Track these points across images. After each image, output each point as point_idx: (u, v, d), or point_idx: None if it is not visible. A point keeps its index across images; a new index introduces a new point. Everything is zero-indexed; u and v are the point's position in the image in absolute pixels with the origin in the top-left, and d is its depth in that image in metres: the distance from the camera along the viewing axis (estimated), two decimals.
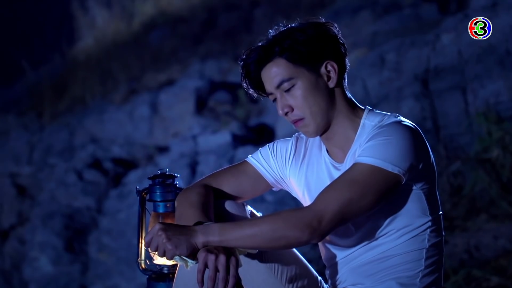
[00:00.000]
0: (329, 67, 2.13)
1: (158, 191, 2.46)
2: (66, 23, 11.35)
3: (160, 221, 2.25)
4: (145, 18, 10.80)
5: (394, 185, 2.01)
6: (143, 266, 2.52)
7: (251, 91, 2.21)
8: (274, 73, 2.12)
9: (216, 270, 1.96)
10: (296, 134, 2.34)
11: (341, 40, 2.15)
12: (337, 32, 2.16)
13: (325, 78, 2.13)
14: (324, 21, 2.16)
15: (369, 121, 2.14)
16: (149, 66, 9.54)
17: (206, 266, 1.97)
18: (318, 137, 2.25)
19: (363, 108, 2.19)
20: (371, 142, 2.03)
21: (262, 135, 7.09)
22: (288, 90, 2.12)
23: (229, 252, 1.99)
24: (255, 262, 2.14)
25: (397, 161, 2.00)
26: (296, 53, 2.09)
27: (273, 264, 2.17)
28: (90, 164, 7.74)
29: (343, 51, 2.16)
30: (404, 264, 2.14)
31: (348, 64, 2.18)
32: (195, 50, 9.51)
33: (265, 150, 2.35)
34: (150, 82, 9.08)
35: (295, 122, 2.15)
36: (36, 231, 7.11)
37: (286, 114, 2.14)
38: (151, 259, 2.48)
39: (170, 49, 9.84)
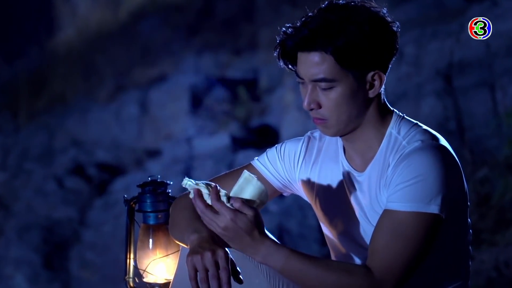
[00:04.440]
0: (376, 77, 2.12)
1: (148, 201, 2.47)
2: (44, 11, 11.36)
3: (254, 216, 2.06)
4: (133, 6, 10.82)
5: (439, 225, 2.06)
6: (131, 284, 2.52)
7: (281, 62, 2.16)
8: (316, 67, 2.09)
9: (207, 270, 1.99)
10: (309, 133, 2.34)
11: (397, 43, 2.12)
12: (397, 33, 2.12)
13: (368, 86, 2.12)
14: (383, 13, 2.11)
15: (395, 131, 2.15)
16: (138, 60, 9.55)
17: (196, 270, 2.00)
18: (334, 141, 2.27)
19: (392, 110, 2.20)
20: (403, 185, 2.04)
21: (265, 138, 7.10)
22: (324, 89, 2.12)
23: (215, 246, 2.02)
24: (257, 279, 2.15)
25: (436, 200, 2.03)
26: (349, 56, 2.06)
27: (277, 281, 2.18)
28: (72, 170, 7.74)
29: (394, 56, 2.15)
30: (429, 285, 2.16)
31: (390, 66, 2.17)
32: (189, 42, 9.53)
33: (272, 152, 2.36)
34: (139, 78, 9.09)
35: (317, 119, 2.16)
36: (10, 246, 7.11)
37: (311, 109, 2.14)
38: (140, 276, 2.48)
39: (161, 41, 9.85)
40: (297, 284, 2.07)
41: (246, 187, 2.02)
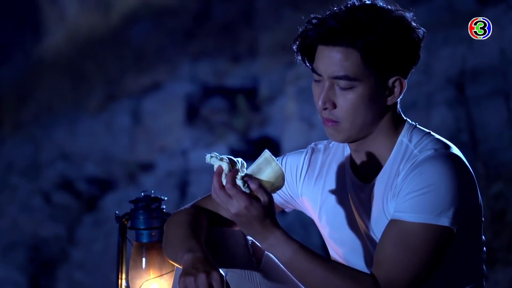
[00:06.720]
0: (397, 83, 2.14)
1: (141, 217, 2.47)
2: (30, 14, 11.38)
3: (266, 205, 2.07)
4: (125, 10, 10.84)
5: (450, 238, 2.07)
6: None
7: (299, 57, 2.18)
8: (339, 63, 2.10)
9: None
10: (312, 145, 2.35)
11: (420, 50, 2.16)
12: (422, 40, 2.16)
13: (387, 92, 2.14)
14: (409, 17, 2.15)
15: (406, 139, 2.16)
16: (130, 67, 9.57)
17: None
18: (340, 152, 2.28)
19: (405, 120, 2.21)
20: (413, 195, 2.06)
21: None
22: (343, 88, 2.12)
23: (210, 268, 2.03)
24: None
25: (447, 212, 2.04)
26: (376, 54, 2.08)
27: None
28: (60, 184, 7.75)
29: (416, 63, 2.17)
30: None
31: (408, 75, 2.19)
32: (185, 48, 9.54)
33: None
34: (132, 87, 9.10)
35: (328, 121, 2.16)
36: None
37: (324, 109, 2.14)
38: None
39: (155, 46, 9.87)
40: (300, 281, 2.08)
41: (265, 168, 2.02)
